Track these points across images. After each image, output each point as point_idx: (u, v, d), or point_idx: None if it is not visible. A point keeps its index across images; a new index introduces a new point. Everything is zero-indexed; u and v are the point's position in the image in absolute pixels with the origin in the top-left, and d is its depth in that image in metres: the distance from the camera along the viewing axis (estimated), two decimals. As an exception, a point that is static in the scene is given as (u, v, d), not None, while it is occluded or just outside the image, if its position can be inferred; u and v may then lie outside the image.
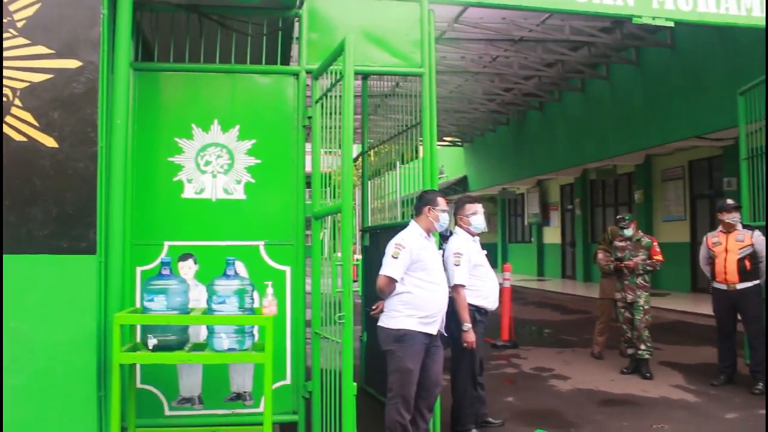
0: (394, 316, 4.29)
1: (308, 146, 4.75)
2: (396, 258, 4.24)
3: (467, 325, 4.74)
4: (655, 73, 13.09)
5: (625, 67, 13.90)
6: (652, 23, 5.45)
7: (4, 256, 3.76)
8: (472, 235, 5.12)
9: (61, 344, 3.81)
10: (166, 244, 4.54)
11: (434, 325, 4.36)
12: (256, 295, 4.19)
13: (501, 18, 10.97)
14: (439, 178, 26.45)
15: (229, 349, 3.83)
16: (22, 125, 3.83)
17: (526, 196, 23.50)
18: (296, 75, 4.78)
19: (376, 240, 5.82)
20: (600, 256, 7.88)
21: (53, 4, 3.87)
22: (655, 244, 7.19)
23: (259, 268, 4.63)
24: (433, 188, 4.77)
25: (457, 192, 23.70)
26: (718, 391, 6.39)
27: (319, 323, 4.53)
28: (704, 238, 6.83)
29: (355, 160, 7.43)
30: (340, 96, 3.93)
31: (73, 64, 3.89)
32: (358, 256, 7.90)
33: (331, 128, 4.35)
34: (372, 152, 6.76)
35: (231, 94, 4.71)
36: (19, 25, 3.83)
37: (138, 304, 4.23)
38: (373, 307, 4.56)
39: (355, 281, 7.14)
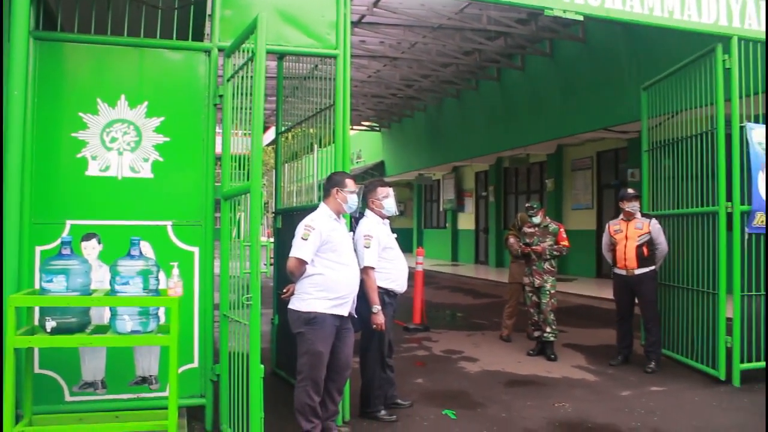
0: (305, 299, 4.29)
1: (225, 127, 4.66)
2: (305, 240, 4.23)
3: (377, 307, 4.79)
4: (568, 65, 13.49)
5: (540, 58, 14.25)
6: (563, 16, 5.60)
7: None
8: (383, 218, 5.15)
9: (-50, 327, 3.62)
10: (68, 222, 4.39)
11: (345, 307, 4.38)
12: (162, 276, 4.11)
13: (420, 4, 11.02)
14: (357, 162, 26.55)
15: (133, 332, 3.74)
16: None
17: (441, 183, 23.84)
18: (208, 52, 4.68)
19: (289, 222, 5.78)
20: (511, 240, 8.11)
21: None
22: (562, 230, 7.45)
23: (166, 248, 4.54)
24: (344, 170, 4.77)
25: (374, 177, 23.79)
26: (615, 370, 6.71)
27: (228, 305, 4.47)
28: (606, 226, 7.14)
29: (273, 142, 7.34)
30: (252, 76, 3.87)
31: (-37, 30, 3.67)
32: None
33: (243, 109, 4.28)
34: (290, 135, 6.70)
35: (139, 69, 4.57)
36: None
37: (37, 285, 4.05)
38: (284, 290, 4.54)
39: (272, 264, 7.09)
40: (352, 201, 4.50)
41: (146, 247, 4.42)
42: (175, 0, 4.76)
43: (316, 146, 5.96)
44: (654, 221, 6.80)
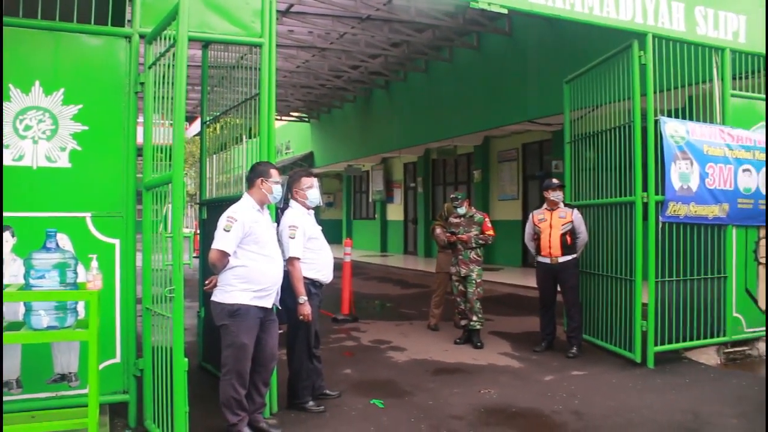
0: (228, 291, 4.23)
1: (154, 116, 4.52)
2: (228, 231, 4.17)
3: (303, 298, 4.77)
4: (494, 59, 13.71)
5: (467, 51, 14.43)
6: (487, 8, 5.69)
7: None
8: (308, 208, 5.12)
9: None
10: (-22, 214, 4.17)
11: (269, 299, 4.35)
12: (81, 269, 3.99)
13: (348, -5, 11.01)
14: (286, 153, 26.30)
15: (49, 327, 3.61)
16: None
17: (370, 174, 23.89)
18: (128, 38, 4.54)
19: (215, 214, 5.66)
20: (437, 231, 8.20)
21: None
22: (487, 220, 7.59)
23: (85, 241, 4.39)
24: (269, 161, 4.72)
25: (304, 168, 23.59)
26: (539, 356, 6.90)
27: (151, 298, 4.37)
28: (530, 216, 7.33)
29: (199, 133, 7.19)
30: (174, 63, 3.78)
31: None
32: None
33: (166, 98, 4.17)
34: (218, 126, 6.57)
35: (55, 55, 4.39)
36: None
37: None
38: (206, 282, 4.46)
39: (196, 257, 6.94)
40: (276, 191, 4.46)
41: (64, 240, 4.27)
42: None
43: (245, 137, 5.87)
44: (576, 211, 7.01)
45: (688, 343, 6.59)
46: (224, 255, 4.19)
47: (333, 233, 24.06)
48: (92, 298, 3.58)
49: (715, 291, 6.74)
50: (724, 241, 6.76)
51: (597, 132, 7.11)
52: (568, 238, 6.90)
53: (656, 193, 6.34)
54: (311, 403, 5.10)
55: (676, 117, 6.64)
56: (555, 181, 7.15)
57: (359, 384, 5.89)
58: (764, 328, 7.01)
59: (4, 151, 4.25)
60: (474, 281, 7.41)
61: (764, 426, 4.71)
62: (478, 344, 7.34)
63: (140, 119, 4.55)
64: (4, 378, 4.21)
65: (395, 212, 22.52)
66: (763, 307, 7.00)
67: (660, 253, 6.40)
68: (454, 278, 7.64)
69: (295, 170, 5.36)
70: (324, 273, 5.11)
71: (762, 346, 7.02)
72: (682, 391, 5.64)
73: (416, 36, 13.48)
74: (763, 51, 7.01)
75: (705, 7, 6.72)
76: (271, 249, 4.38)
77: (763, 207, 6.89)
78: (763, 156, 6.86)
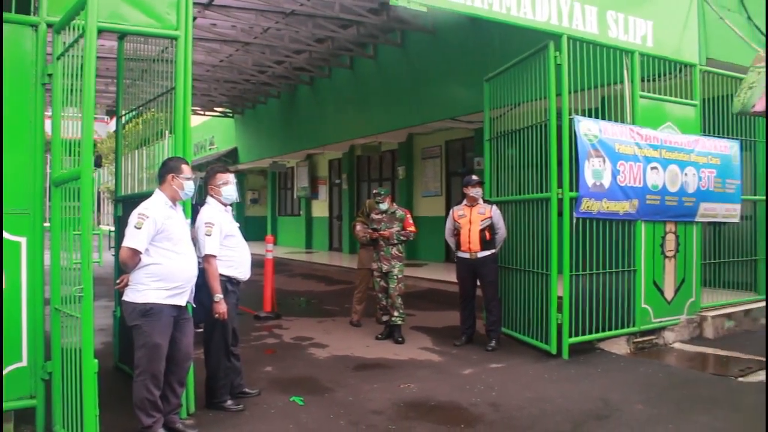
0: (140, 290, 4.13)
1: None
2: (139, 228, 4.07)
3: (218, 296, 4.71)
4: (418, 56, 13.82)
5: (392, 48, 14.49)
6: (407, 6, 5.72)
7: None
8: (224, 205, 5.05)
9: None
10: None
11: (183, 297, 4.27)
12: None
13: (272, -12, 10.89)
14: (209, 149, 25.82)
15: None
16: None
17: (295, 170, 23.71)
18: (35, 27, 4.35)
19: (131, 210, 5.51)
20: (358, 227, 8.22)
21: None
22: (408, 216, 7.67)
23: (-12, 239, 4.18)
24: (185, 156, 4.62)
25: (227, 164, 23.24)
26: (459, 350, 7.02)
27: (59, 298, 4.21)
28: (450, 212, 7.45)
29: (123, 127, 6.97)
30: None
31: None
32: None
33: (75, 90, 4.01)
34: (140, 120, 6.36)
35: (-47, 43, 4.15)
36: None
37: None
38: (118, 281, 4.33)
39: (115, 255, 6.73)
40: (188, 188, 4.37)
41: (-36, 238, 4.06)
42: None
43: (167, 132, 5.72)
44: (495, 207, 7.16)
45: (600, 334, 6.84)
46: (135, 253, 4.08)
47: (257, 230, 23.77)
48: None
49: (625, 284, 7.02)
50: (634, 235, 7.05)
51: (515, 130, 7.28)
52: (487, 234, 7.04)
53: (571, 190, 6.54)
54: (230, 402, 5.03)
55: (592, 116, 6.87)
56: (474, 177, 7.30)
57: (279, 382, 5.85)
58: (671, 318, 7.37)
59: None
60: (395, 277, 7.47)
61: (669, 409, 4.97)
62: (400, 339, 7.40)
63: (49, 112, 4.37)
64: None
65: (320, 209, 22.44)
66: (669, 298, 7.34)
67: (574, 248, 6.61)
68: (375, 274, 7.68)
69: (211, 166, 5.27)
70: (241, 270, 5.05)
71: (669, 334, 7.36)
72: (593, 380, 5.85)
73: (340, 32, 13.45)
74: (669, 55, 7.35)
75: (616, 11, 6.98)
76: (184, 246, 4.29)
77: (670, 203, 7.21)
78: (669, 155, 7.18)
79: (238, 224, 5.11)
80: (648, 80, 7.34)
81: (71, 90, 4.09)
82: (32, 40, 4.34)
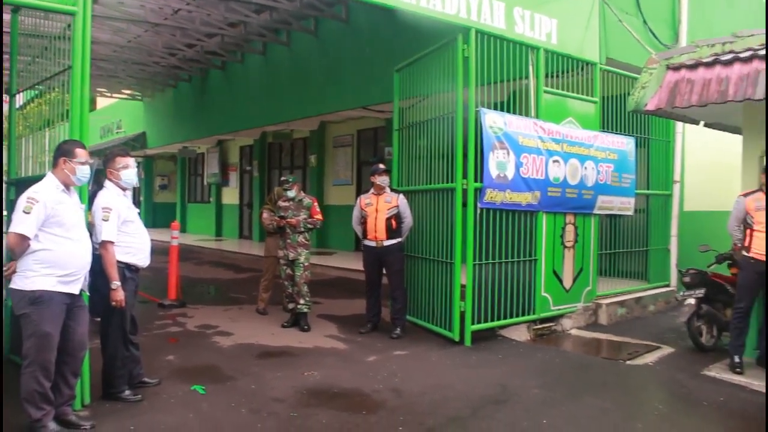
0: (29, 276, 3.96)
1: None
2: (28, 213, 3.89)
3: (116, 284, 4.56)
4: (331, 44, 13.75)
5: (305, 35, 14.35)
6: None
7: None
8: (123, 189, 4.88)
9: None
10: None
11: (76, 284, 4.11)
12: None
13: (182, -31, 10.57)
14: (117, 132, 24.87)
15: None
16: None
17: (206, 156, 23.20)
18: None
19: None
20: (264, 215, 8.15)
21: None
22: (315, 204, 7.66)
23: None
24: (81, 139, 4.44)
25: (135, 149, 22.47)
26: (364, 338, 7.08)
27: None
28: (357, 200, 7.48)
29: (23, 106, 6.60)
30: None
31: None
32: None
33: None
34: (43, 100, 6.03)
35: None
36: None
37: None
38: (5, 268, 4.13)
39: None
40: (82, 173, 4.21)
41: None
42: None
43: (71, 113, 5.46)
44: (401, 196, 7.25)
45: (501, 322, 7.06)
46: (24, 239, 3.90)
47: (167, 217, 23.10)
48: None
49: (526, 273, 7.27)
50: (536, 226, 7.30)
51: (424, 120, 7.38)
52: (393, 223, 7.11)
53: (475, 181, 6.69)
54: (128, 392, 4.90)
55: (500, 110, 7.03)
56: (381, 166, 7.36)
57: (181, 371, 5.74)
58: (568, 306, 7.68)
59: None
60: (302, 265, 7.45)
61: (563, 392, 5.19)
62: (305, 327, 7.39)
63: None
64: None
65: (231, 196, 22.04)
66: (567, 287, 7.64)
67: (478, 237, 6.76)
68: (282, 262, 7.63)
69: (111, 149, 5.08)
70: (140, 257, 4.90)
71: (566, 321, 7.67)
72: (494, 366, 6.03)
73: (254, 17, 13.21)
74: (571, 53, 7.61)
75: (522, 8, 7.16)
76: (77, 232, 4.13)
77: (570, 195, 7.50)
78: (570, 149, 7.46)
79: (137, 210, 4.95)
80: (552, 76, 7.58)
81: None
82: None
